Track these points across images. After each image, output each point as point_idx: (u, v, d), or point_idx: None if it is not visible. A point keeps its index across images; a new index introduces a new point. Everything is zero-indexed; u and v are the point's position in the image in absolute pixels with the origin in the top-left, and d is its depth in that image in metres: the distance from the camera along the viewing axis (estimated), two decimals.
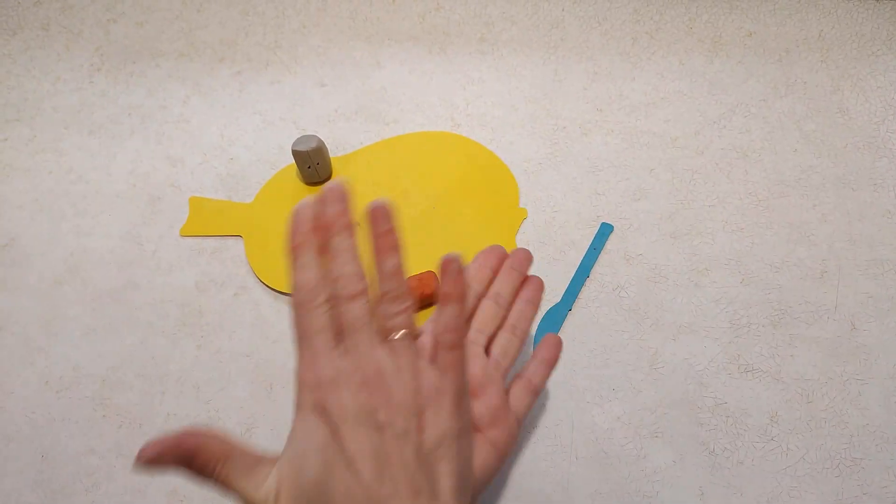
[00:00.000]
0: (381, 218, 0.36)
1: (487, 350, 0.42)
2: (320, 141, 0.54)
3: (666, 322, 0.51)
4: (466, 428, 0.34)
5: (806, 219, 0.55)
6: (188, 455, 0.30)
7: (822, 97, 0.62)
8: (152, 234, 0.56)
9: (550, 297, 0.52)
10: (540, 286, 0.45)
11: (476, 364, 0.40)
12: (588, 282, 0.53)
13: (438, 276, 0.36)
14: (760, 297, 0.52)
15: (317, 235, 0.36)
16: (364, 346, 0.33)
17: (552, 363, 0.43)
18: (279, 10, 0.68)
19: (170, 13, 0.68)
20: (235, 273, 0.54)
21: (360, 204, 0.56)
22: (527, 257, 0.46)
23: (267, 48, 0.66)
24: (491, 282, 0.44)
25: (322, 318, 0.33)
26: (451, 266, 0.36)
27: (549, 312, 0.51)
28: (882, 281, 0.52)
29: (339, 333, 0.33)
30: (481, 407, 0.38)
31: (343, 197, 0.37)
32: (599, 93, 0.63)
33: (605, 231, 0.55)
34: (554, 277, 0.53)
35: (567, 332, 0.51)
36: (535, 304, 0.44)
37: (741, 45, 0.65)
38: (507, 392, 0.40)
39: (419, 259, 0.54)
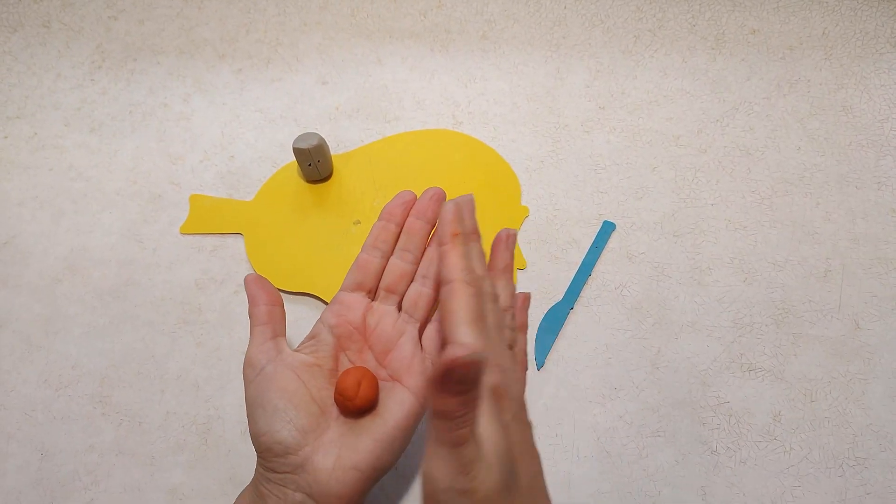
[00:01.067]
0: (506, 244, 0.40)
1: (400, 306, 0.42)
2: (321, 138, 0.54)
3: (668, 321, 0.51)
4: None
5: (809, 217, 0.55)
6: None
7: (826, 95, 0.61)
8: (152, 231, 0.56)
9: (552, 296, 0.52)
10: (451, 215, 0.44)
11: (386, 322, 0.41)
12: (590, 280, 0.53)
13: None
14: (763, 295, 0.52)
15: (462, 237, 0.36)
16: (504, 349, 0.35)
17: None
18: (280, 7, 0.68)
19: (171, 10, 0.68)
20: (236, 271, 0.54)
21: (363, 202, 0.56)
22: (434, 199, 0.43)
23: (268, 45, 0.66)
24: (398, 236, 0.43)
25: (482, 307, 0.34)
26: (525, 301, 0.43)
27: (550, 311, 0.51)
28: (886, 280, 0.52)
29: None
30: (394, 361, 0.40)
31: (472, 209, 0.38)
32: (601, 90, 0.62)
33: (607, 229, 0.55)
34: (555, 276, 0.53)
35: (569, 331, 0.51)
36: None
37: (744, 42, 0.64)
38: (419, 339, 0.41)
39: None
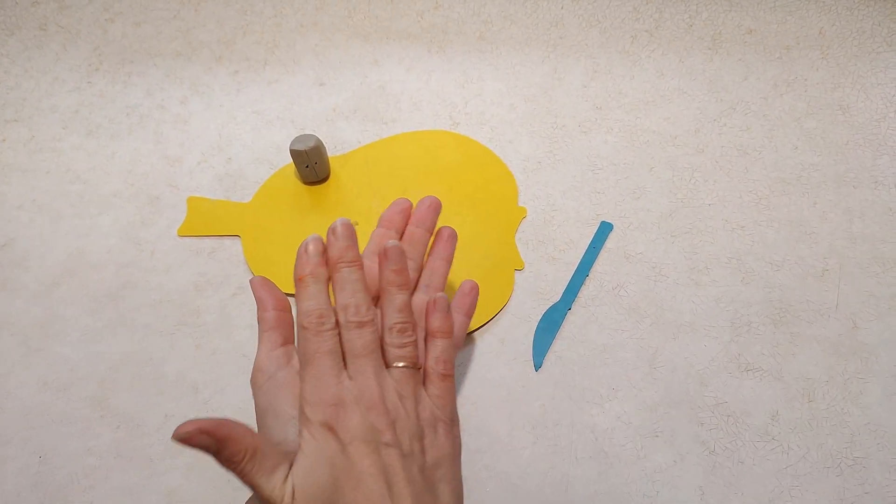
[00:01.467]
0: (394, 257, 0.39)
1: None
2: (318, 140, 0.54)
3: (666, 321, 0.51)
4: (459, 451, 0.37)
5: (807, 217, 0.55)
6: (220, 442, 0.31)
7: (823, 94, 0.61)
8: (150, 234, 0.56)
9: (550, 297, 0.52)
10: (451, 238, 0.45)
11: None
12: (587, 281, 0.53)
13: (426, 312, 0.40)
14: (761, 295, 0.52)
15: (324, 268, 0.38)
16: (370, 371, 0.35)
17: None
18: (277, 9, 0.68)
19: (167, 13, 0.68)
20: (233, 273, 0.54)
21: (361, 203, 0.56)
22: (432, 207, 0.45)
23: (265, 47, 0.66)
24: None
25: (329, 342, 0.36)
26: (440, 303, 0.39)
27: (548, 312, 0.51)
28: (883, 279, 0.52)
29: (344, 359, 0.36)
30: None
31: (350, 234, 0.39)
32: (599, 91, 0.62)
33: (604, 230, 0.55)
34: (553, 276, 0.53)
35: (566, 332, 0.51)
36: (448, 259, 0.45)
37: (741, 42, 0.64)
38: (424, 348, 0.41)
39: None
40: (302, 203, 0.57)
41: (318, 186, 0.58)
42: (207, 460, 0.36)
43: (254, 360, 0.38)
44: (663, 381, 0.49)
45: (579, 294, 0.52)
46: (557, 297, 0.52)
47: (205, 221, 0.57)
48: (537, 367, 0.49)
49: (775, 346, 0.50)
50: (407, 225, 0.45)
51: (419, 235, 0.44)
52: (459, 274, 0.52)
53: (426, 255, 0.45)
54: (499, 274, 0.53)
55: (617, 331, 0.51)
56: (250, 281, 0.40)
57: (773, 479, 0.45)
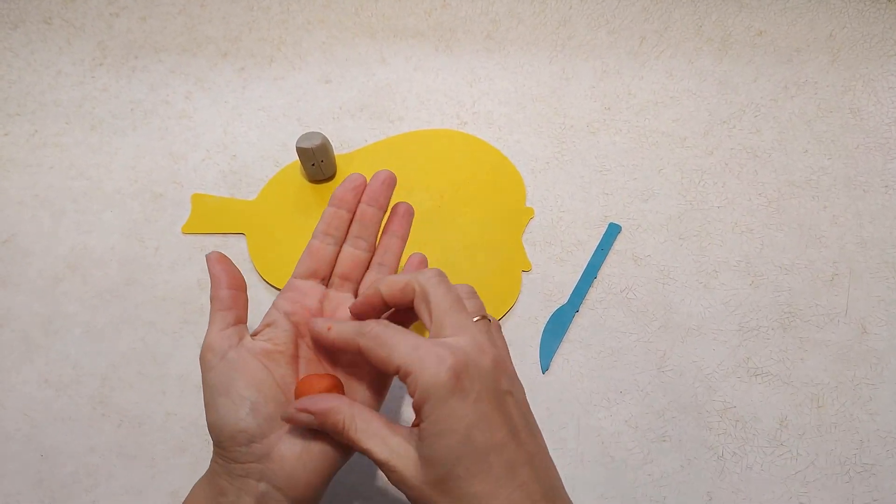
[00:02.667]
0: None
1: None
2: (325, 138, 0.54)
3: (674, 324, 0.51)
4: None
5: (816, 220, 0.55)
6: (320, 415, 0.33)
7: (833, 98, 0.61)
8: (154, 231, 0.56)
9: (557, 298, 0.52)
10: (407, 214, 0.43)
11: (344, 309, 0.40)
12: (595, 283, 0.53)
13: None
14: (770, 299, 0.52)
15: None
16: (469, 323, 0.34)
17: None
18: (284, 5, 0.67)
19: (173, 8, 0.67)
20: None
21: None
22: (385, 183, 0.42)
23: (271, 44, 0.65)
24: (350, 221, 0.42)
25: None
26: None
27: (555, 314, 0.51)
28: (893, 284, 0.52)
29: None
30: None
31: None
32: (607, 91, 0.62)
33: (612, 231, 0.54)
34: (561, 278, 0.53)
35: (574, 334, 0.50)
36: (403, 237, 0.43)
37: (751, 44, 0.64)
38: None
39: None
40: (307, 201, 0.56)
41: (324, 185, 0.57)
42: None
43: (204, 339, 0.37)
44: (671, 385, 0.48)
45: (587, 296, 0.52)
46: (565, 300, 0.52)
47: (209, 219, 0.56)
48: (544, 369, 0.49)
49: (784, 350, 0.50)
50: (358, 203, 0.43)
51: (371, 214, 0.42)
52: (466, 275, 0.52)
53: (380, 233, 0.43)
54: (506, 275, 0.52)
55: (625, 334, 0.51)
56: (207, 256, 0.40)
57: (781, 486, 0.45)
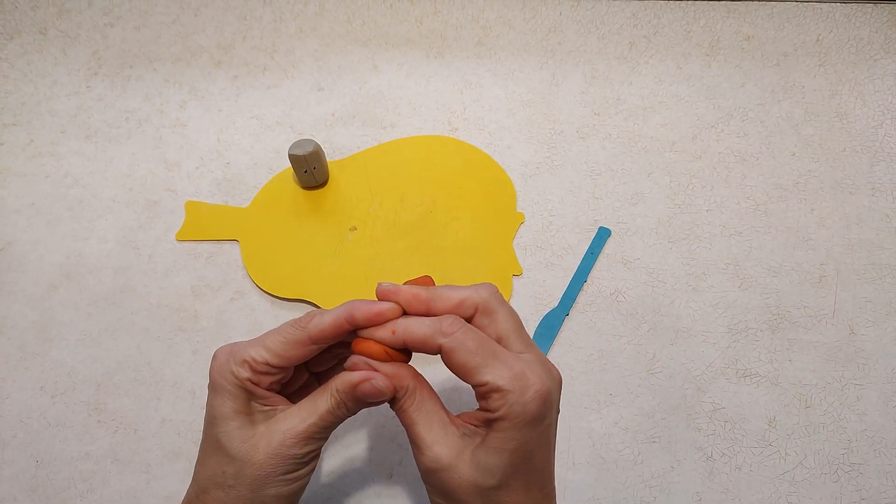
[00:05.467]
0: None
1: None
2: (317, 145, 0.54)
3: (664, 327, 0.51)
4: None
5: (804, 223, 0.55)
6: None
7: (820, 101, 0.61)
8: (148, 238, 0.56)
9: (548, 302, 0.52)
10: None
11: None
12: (585, 286, 0.53)
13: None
14: (758, 301, 0.52)
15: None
16: (534, 345, 0.35)
17: None
18: (276, 14, 0.68)
19: (167, 17, 0.68)
20: (232, 278, 0.54)
21: (359, 208, 0.56)
22: None
23: (264, 52, 0.66)
24: None
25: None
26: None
27: (546, 317, 0.51)
28: (881, 285, 0.52)
29: None
30: None
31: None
32: (597, 97, 0.62)
33: (602, 235, 0.55)
34: (551, 282, 0.53)
35: (564, 337, 0.51)
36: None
37: (739, 49, 0.65)
38: None
39: (416, 264, 0.54)
40: (300, 208, 0.57)
41: (317, 191, 0.58)
42: None
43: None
44: (661, 387, 0.49)
45: (577, 300, 0.53)
46: (555, 303, 0.52)
47: (203, 226, 0.57)
48: None
49: (772, 352, 0.50)
50: None
51: None
52: (457, 280, 0.53)
53: None
54: (497, 279, 0.53)
55: (615, 336, 0.51)
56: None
57: (770, 485, 0.45)
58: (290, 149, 0.54)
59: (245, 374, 0.35)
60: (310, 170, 0.55)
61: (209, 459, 0.35)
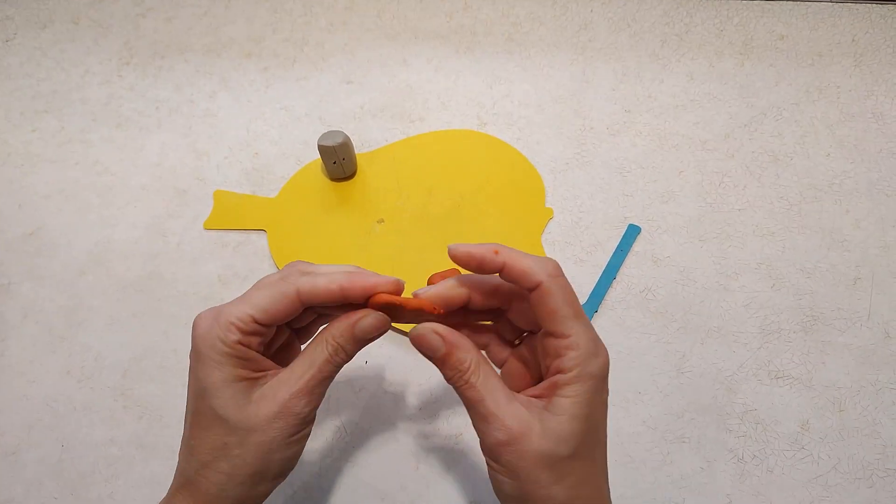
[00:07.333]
0: None
1: None
2: (346, 136, 0.54)
3: (694, 326, 0.50)
4: None
5: (839, 224, 0.54)
6: (449, 345, 0.33)
7: (856, 102, 0.60)
8: (177, 226, 0.56)
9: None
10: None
11: None
12: (615, 283, 0.52)
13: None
14: (791, 302, 0.51)
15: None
16: (591, 323, 0.35)
17: None
18: (307, 7, 0.68)
19: (198, 9, 0.68)
20: (259, 267, 0.54)
21: (387, 201, 0.56)
22: None
23: (294, 45, 0.66)
24: None
25: None
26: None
27: None
28: None
29: None
30: None
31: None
32: (627, 94, 0.62)
33: (632, 233, 0.54)
34: (580, 278, 0.53)
35: None
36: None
37: (773, 48, 0.64)
38: None
39: (443, 257, 0.53)
40: (328, 199, 0.57)
41: (345, 183, 0.57)
42: None
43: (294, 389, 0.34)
44: (690, 387, 0.48)
45: (606, 297, 0.52)
46: (584, 300, 0.52)
47: (231, 215, 0.57)
48: None
49: (806, 353, 0.49)
50: None
51: None
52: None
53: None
54: None
55: (644, 335, 0.50)
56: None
57: (802, 490, 0.44)
58: (320, 139, 0.54)
59: (233, 336, 0.32)
60: (339, 161, 0.55)
61: (206, 433, 0.34)
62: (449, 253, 0.34)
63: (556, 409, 0.31)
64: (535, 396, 0.33)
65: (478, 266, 0.33)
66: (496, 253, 0.33)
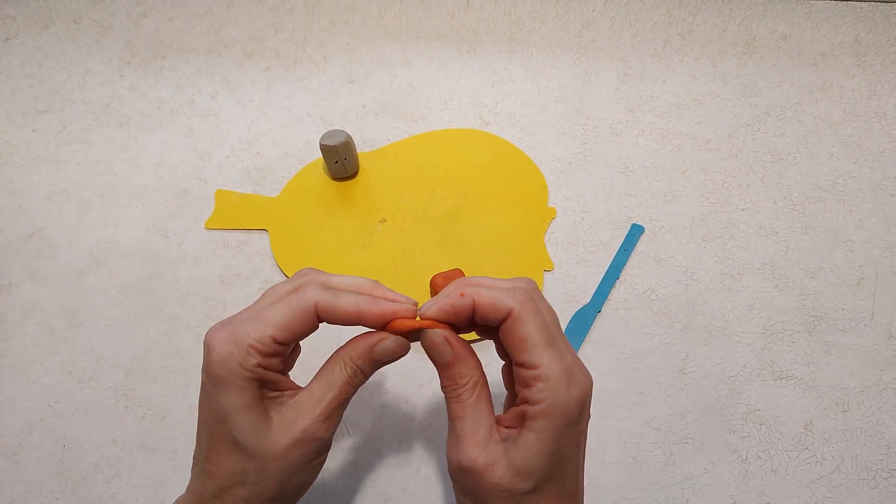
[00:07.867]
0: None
1: None
2: (348, 136, 0.54)
3: (697, 326, 0.50)
4: None
5: (842, 224, 0.54)
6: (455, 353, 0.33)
7: (859, 102, 0.60)
8: (178, 226, 0.56)
9: (580, 299, 0.52)
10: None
11: None
12: (618, 283, 0.52)
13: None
14: (795, 302, 0.51)
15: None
16: (569, 346, 0.34)
17: None
18: (308, 7, 0.68)
19: (200, 9, 0.68)
20: (260, 267, 0.54)
21: (389, 200, 0.56)
22: None
23: (296, 45, 0.66)
24: None
25: None
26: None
27: (577, 314, 0.51)
28: None
29: None
30: None
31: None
32: (630, 94, 0.62)
33: (635, 232, 0.54)
34: (583, 278, 0.52)
35: (596, 335, 0.50)
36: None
37: (775, 48, 0.64)
38: None
39: (445, 257, 0.53)
40: (330, 199, 0.57)
41: (347, 182, 0.57)
42: None
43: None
44: (694, 387, 0.48)
45: (609, 297, 0.52)
46: (587, 300, 0.51)
47: (233, 215, 0.57)
48: None
49: (809, 354, 0.49)
50: None
51: None
52: (488, 273, 0.52)
53: None
54: (528, 274, 0.52)
55: (647, 335, 0.50)
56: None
57: (806, 490, 0.44)
58: (322, 139, 0.54)
59: (253, 360, 0.31)
60: (340, 160, 0.55)
61: (224, 459, 0.33)
62: (421, 317, 0.33)
63: (521, 444, 0.31)
64: (508, 427, 0.33)
65: (455, 318, 0.33)
66: (462, 296, 0.32)
